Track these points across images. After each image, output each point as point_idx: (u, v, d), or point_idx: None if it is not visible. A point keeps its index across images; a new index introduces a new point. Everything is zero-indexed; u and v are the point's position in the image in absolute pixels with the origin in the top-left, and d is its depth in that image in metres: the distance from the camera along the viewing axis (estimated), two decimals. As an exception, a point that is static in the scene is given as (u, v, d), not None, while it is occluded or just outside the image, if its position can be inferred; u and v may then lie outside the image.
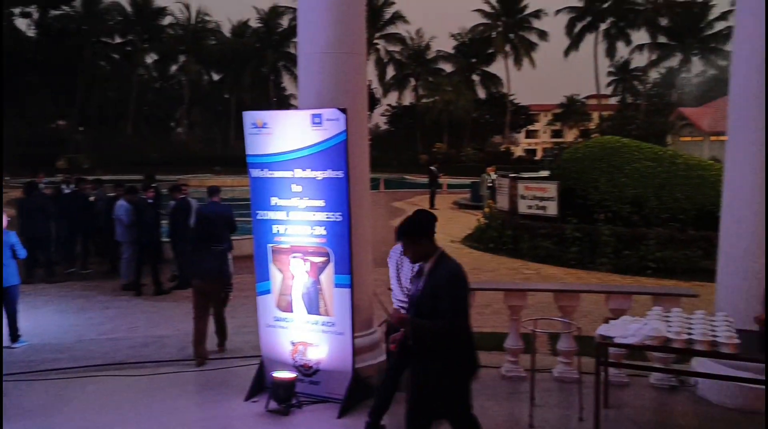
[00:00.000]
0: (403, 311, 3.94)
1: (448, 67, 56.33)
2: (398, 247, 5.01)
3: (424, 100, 53.40)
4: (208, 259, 6.48)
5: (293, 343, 5.36)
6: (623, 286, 8.35)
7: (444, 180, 29.33)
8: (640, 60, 53.47)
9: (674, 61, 50.67)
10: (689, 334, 4.07)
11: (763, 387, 4.51)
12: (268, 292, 5.44)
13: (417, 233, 3.55)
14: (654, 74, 53.17)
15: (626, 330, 4.30)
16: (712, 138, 34.93)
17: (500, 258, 12.67)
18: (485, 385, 5.52)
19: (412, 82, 56.59)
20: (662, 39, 49.85)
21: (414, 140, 53.61)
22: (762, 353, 3.94)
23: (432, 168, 24.50)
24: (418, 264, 3.62)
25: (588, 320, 7.14)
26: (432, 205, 22.96)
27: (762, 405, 4.74)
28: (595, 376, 4.42)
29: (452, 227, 16.89)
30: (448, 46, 65.77)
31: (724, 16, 46.61)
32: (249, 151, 5.34)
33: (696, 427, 4.86)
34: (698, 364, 5.11)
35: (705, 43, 48.68)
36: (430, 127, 51.43)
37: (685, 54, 49.28)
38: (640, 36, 51.11)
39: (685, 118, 38.13)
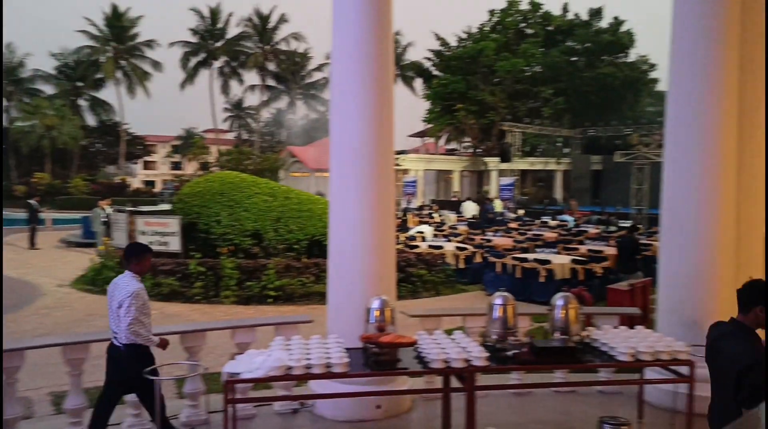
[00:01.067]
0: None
1: (48, 89, 50.34)
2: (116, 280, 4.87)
3: (19, 124, 46.38)
4: None
5: None
6: (247, 320, 8.54)
7: (47, 215, 25.87)
8: (253, 99, 57.25)
9: (282, 103, 55.81)
10: (308, 359, 4.37)
11: (368, 398, 5.15)
12: None
13: None
14: (266, 113, 57.52)
15: (252, 364, 4.38)
16: (317, 174, 39.43)
17: (118, 300, 11.69)
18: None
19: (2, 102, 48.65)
20: (271, 82, 54.35)
21: (7, 169, 45.93)
22: (367, 367, 4.49)
23: (31, 201, 21.33)
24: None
25: (215, 356, 7.11)
26: (32, 244, 19.95)
27: (367, 413, 5.41)
28: (223, 414, 4.37)
29: (60, 269, 14.95)
30: (47, 65, 58.81)
31: (320, 67, 53.51)
32: None
33: (315, 443, 5.25)
34: (316, 384, 5.54)
35: (307, 89, 54.98)
36: (29, 155, 44.91)
37: (291, 97, 54.71)
38: (252, 77, 54.77)
39: (294, 156, 42.12)
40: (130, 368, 4.72)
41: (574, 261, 12.72)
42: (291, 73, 53.11)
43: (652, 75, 40.58)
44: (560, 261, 12.67)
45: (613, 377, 6.11)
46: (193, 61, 51.88)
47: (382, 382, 5.31)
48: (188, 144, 56.19)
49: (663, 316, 5.92)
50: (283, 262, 12.05)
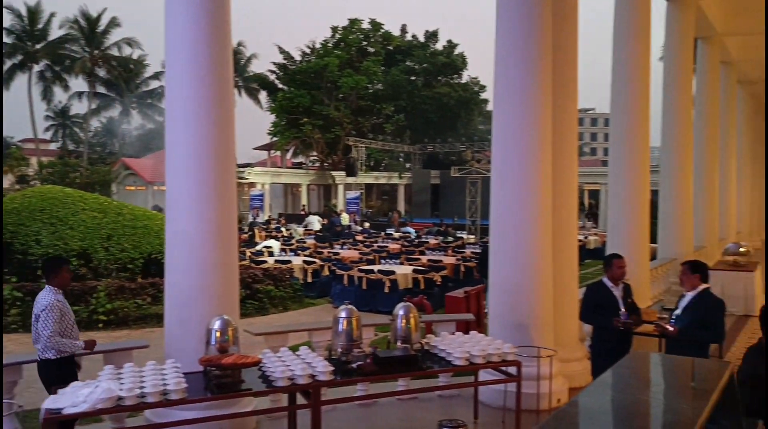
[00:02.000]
0: None
1: None
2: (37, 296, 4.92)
3: None
4: None
5: None
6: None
7: None
8: (80, 107, 52.62)
9: (115, 112, 51.94)
10: (142, 387, 4.09)
11: (209, 423, 4.93)
12: None
13: None
14: (96, 123, 53.21)
15: (77, 397, 4.00)
16: (155, 187, 37.26)
17: None
18: None
19: None
20: (101, 89, 50.41)
21: None
22: (207, 391, 4.30)
23: None
24: None
25: (35, 390, 6.37)
26: None
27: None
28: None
29: None
30: None
31: (157, 76, 50.71)
32: None
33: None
34: (152, 413, 5.18)
35: (142, 98, 51.77)
36: None
37: (124, 106, 51.16)
38: (79, 83, 50.43)
39: (128, 168, 39.42)
40: (46, 383, 4.69)
41: (416, 271, 13.26)
42: (124, 80, 49.67)
43: (483, 96, 43.86)
44: (403, 271, 13.15)
45: (451, 381, 6.43)
46: (8, 63, 46.57)
47: (226, 405, 5.10)
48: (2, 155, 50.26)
49: (494, 320, 6.36)
50: (115, 283, 11.17)
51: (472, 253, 16.58)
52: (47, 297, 4.86)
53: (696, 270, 5.00)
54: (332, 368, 4.56)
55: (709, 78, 14.89)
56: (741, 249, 11.64)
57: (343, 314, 5.07)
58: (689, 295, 4.99)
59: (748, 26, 14.95)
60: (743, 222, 21.60)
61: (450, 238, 21.56)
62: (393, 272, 12.90)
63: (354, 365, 4.77)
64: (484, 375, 5.78)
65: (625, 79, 9.60)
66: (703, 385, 2.78)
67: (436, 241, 20.60)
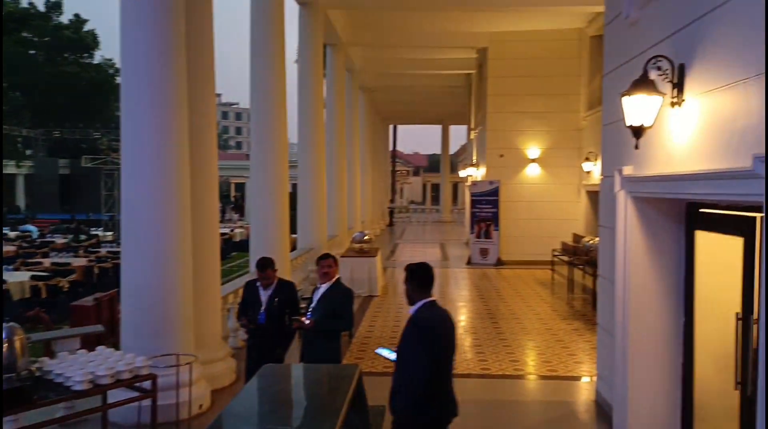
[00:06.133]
0: None
1: None
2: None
3: None
4: None
5: None
6: None
7: None
8: None
9: None
10: None
11: None
12: None
13: None
14: None
15: None
16: None
17: None
18: None
19: None
20: None
21: None
22: None
23: None
24: None
25: None
26: None
27: None
28: None
29: None
30: None
31: None
32: None
33: None
34: None
35: None
36: None
37: None
38: None
39: None
40: None
41: (35, 277, 11.36)
42: None
43: (120, 80, 40.56)
44: (18, 279, 11.13)
45: (76, 409, 5.54)
46: None
47: None
48: None
49: (127, 329, 5.72)
50: None
51: (108, 252, 15.07)
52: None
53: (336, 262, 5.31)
54: None
55: (336, 82, 16.41)
56: (365, 237, 13.13)
57: None
58: (323, 287, 5.23)
59: (368, 39, 16.99)
60: (366, 212, 24.71)
61: (83, 237, 19.28)
62: (4, 281, 10.79)
63: (-71, 414, 3.66)
64: (116, 394, 5.13)
65: (263, 78, 9.78)
66: (338, 385, 2.86)
67: (64, 241, 18.17)
